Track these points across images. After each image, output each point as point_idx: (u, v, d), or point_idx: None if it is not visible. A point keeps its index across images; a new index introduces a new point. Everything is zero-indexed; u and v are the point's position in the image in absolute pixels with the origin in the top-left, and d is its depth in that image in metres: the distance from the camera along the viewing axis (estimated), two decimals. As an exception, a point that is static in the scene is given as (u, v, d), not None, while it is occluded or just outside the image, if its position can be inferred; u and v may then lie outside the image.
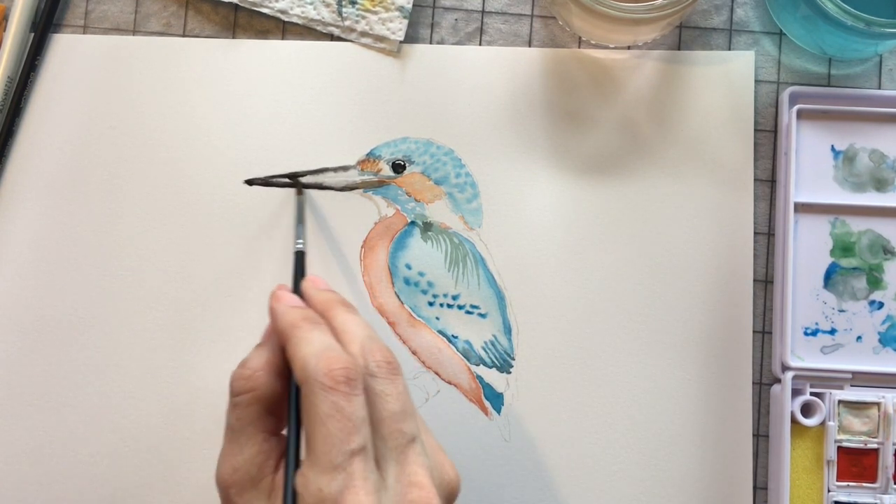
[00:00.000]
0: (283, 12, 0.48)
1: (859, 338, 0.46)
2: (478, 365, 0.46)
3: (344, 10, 0.48)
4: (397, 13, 0.48)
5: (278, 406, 0.35)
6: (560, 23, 0.48)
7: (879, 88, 0.48)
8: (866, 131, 0.47)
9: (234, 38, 0.49)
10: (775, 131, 0.48)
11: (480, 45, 0.49)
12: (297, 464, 0.33)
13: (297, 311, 0.36)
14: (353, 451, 0.30)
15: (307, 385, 0.32)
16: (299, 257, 0.41)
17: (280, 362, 0.35)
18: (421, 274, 0.47)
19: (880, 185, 0.47)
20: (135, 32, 0.49)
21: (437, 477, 0.33)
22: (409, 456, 0.32)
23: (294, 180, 0.47)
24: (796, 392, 0.45)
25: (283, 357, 0.35)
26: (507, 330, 0.47)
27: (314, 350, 0.32)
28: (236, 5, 0.48)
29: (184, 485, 0.46)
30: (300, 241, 0.42)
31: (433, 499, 0.31)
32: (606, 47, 0.48)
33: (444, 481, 0.34)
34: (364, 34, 0.48)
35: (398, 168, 0.48)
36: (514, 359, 0.46)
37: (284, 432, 0.35)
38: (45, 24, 0.48)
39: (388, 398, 0.33)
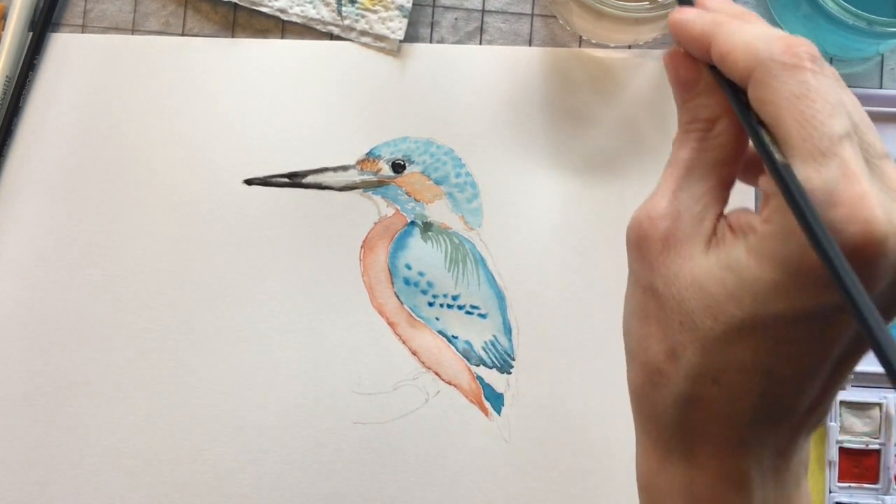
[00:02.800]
0: (282, 11, 0.48)
1: (861, 338, 0.46)
2: (478, 365, 0.46)
3: (343, 9, 0.48)
4: (397, 12, 0.48)
5: (737, 156, 0.29)
6: (560, 22, 0.48)
7: (881, 88, 0.48)
8: (868, 131, 0.47)
9: (233, 37, 0.49)
10: (776, 131, 0.48)
11: (480, 44, 0.48)
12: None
13: (711, 14, 0.28)
14: (840, 135, 0.24)
15: (762, 69, 0.25)
16: None
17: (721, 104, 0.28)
18: (421, 274, 0.47)
19: (882, 184, 0.46)
20: (133, 31, 0.49)
21: (883, 187, 0.25)
22: (840, 152, 0.24)
23: (293, 180, 0.47)
24: (797, 392, 0.44)
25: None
26: (507, 330, 0.46)
27: (757, 33, 0.26)
28: (235, 4, 0.48)
29: (184, 484, 0.46)
30: None
31: None
32: (607, 46, 0.48)
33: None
34: (364, 33, 0.48)
35: (398, 168, 0.47)
36: (514, 359, 0.46)
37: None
38: (43, 23, 0.48)
39: (811, 94, 0.25)
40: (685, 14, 0.28)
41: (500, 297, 0.47)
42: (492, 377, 0.46)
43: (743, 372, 0.25)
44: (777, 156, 0.25)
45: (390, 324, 0.47)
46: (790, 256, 0.24)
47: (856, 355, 0.26)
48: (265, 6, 0.48)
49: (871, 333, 0.22)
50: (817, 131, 0.24)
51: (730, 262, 0.25)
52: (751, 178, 0.30)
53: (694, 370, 0.26)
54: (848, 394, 0.44)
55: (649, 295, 0.27)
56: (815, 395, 0.26)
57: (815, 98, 0.24)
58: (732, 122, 0.27)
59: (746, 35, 0.26)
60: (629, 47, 0.48)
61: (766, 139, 0.25)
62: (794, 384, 0.26)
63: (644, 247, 0.27)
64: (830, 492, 0.44)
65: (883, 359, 0.22)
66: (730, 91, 0.27)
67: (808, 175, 0.24)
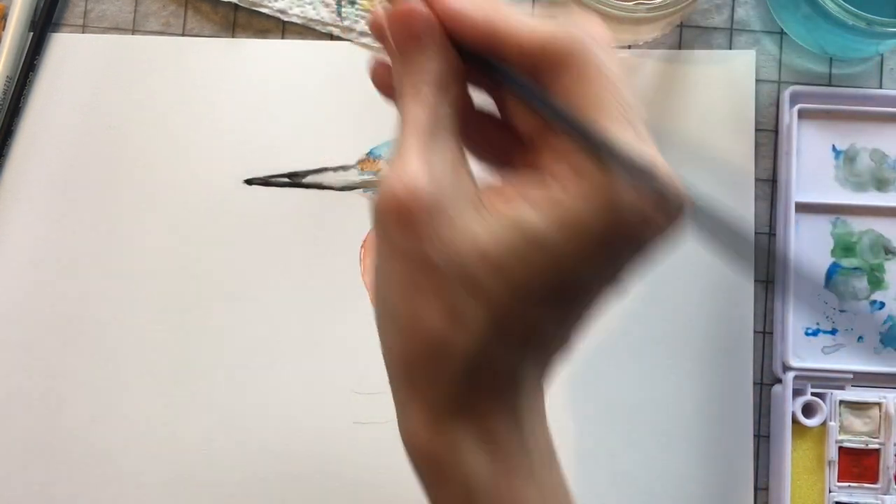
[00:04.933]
0: (282, 12, 0.48)
1: (860, 338, 0.46)
2: (478, 365, 0.46)
3: (343, 10, 0.48)
4: (397, 13, 0.48)
5: (467, 110, 0.28)
6: (560, 22, 0.48)
7: (881, 88, 0.48)
8: (867, 131, 0.47)
9: (233, 37, 0.49)
10: (776, 131, 0.48)
11: (480, 44, 0.48)
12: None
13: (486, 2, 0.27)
14: (636, 106, 0.26)
15: (561, 51, 0.25)
16: None
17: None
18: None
19: (881, 184, 0.47)
20: (134, 32, 0.49)
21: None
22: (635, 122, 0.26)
23: (293, 180, 0.47)
24: (797, 392, 0.44)
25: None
26: (508, 330, 0.46)
27: (535, 21, 0.26)
28: (236, 5, 0.48)
29: (184, 483, 0.46)
30: None
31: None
32: (607, 47, 0.48)
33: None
34: (363, 34, 0.48)
35: (398, 168, 0.47)
36: (514, 359, 0.46)
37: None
38: (44, 24, 0.48)
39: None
40: (459, 4, 0.26)
41: (500, 297, 0.47)
42: (492, 377, 0.46)
43: (531, 326, 0.26)
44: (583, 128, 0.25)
45: (390, 324, 0.47)
46: (593, 223, 0.24)
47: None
48: (265, 7, 0.48)
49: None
50: (628, 105, 0.25)
51: (518, 225, 0.24)
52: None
53: (486, 333, 0.25)
54: (847, 393, 0.44)
55: (418, 265, 0.25)
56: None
57: (618, 74, 0.25)
58: (459, 79, 0.27)
59: (530, 22, 0.26)
60: (629, 48, 0.48)
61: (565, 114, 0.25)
62: (573, 325, 0.27)
63: (407, 217, 0.25)
64: (830, 491, 0.44)
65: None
66: (510, 77, 0.26)
67: (636, 149, 0.24)
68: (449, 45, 0.26)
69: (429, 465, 0.27)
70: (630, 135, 0.25)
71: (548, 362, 0.28)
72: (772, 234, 0.47)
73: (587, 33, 0.26)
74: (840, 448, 0.44)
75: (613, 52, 0.26)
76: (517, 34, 0.26)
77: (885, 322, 0.46)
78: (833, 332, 0.46)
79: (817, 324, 0.46)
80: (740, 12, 0.48)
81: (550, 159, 0.26)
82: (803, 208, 0.46)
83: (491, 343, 0.25)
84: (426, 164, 0.25)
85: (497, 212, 0.25)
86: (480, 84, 0.29)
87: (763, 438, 0.46)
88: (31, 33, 0.48)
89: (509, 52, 0.26)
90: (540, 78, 0.26)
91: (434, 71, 0.26)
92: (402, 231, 0.25)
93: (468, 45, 0.26)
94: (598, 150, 0.24)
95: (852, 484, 0.44)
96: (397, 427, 0.27)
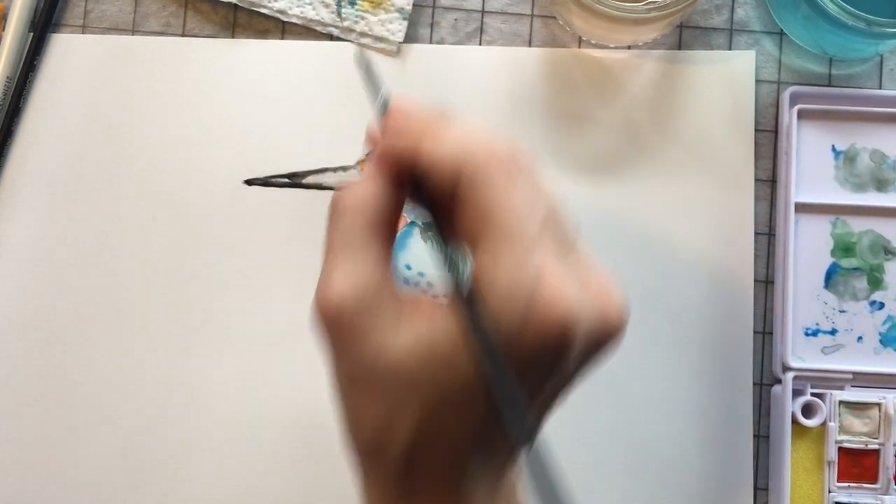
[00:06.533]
0: (282, 12, 0.48)
1: (860, 338, 0.46)
2: (478, 365, 0.46)
3: (343, 10, 0.48)
4: (397, 14, 0.48)
5: (395, 214, 0.30)
6: (560, 22, 0.48)
7: (880, 88, 0.48)
8: (867, 131, 0.47)
9: (233, 37, 0.49)
10: (776, 131, 0.48)
11: (480, 44, 0.48)
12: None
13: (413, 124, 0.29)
14: (535, 236, 0.26)
15: (464, 176, 0.26)
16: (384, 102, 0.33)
17: (394, 172, 0.29)
18: (421, 274, 0.47)
19: (881, 185, 0.47)
20: (134, 32, 0.49)
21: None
22: (578, 256, 0.27)
23: (293, 180, 0.47)
24: (797, 392, 0.44)
25: (398, 169, 0.29)
26: (507, 330, 0.46)
27: (458, 138, 0.27)
28: (235, 5, 0.48)
29: (184, 484, 0.46)
30: (379, 98, 0.34)
31: (615, 284, 0.27)
32: (607, 47, 0.48)
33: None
34: (363, 34, 0.48)
35: (398, 168, 0.47)
36: (514, 359, 0.46)
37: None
38: (44, 24, 0.48)
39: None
40: (386, 139, 0.29)
41: (500, 298, 0.47)
42: (492, 377, 0.46)
43: (452, 432, 0.27)
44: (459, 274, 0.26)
45: (390, 324, 0.47)
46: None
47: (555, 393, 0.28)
48: (265, 7, 0.48)
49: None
50: (517, 233, 0.25)
51: (427, 341, 0.26)
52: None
53: (410, 438, 0.27)
54: (847, 394, 0.44)
55: (356, 370, 0.27)
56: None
57: (514, 201, 0.26)
58: (383, 183, 0.29)
59: (446, 145, 0.27)
60: (629, 48, 0.48)
61: (460, 269, 0.27)
62: (504, 429, 0.27)
63: (336, 330, 0.27)
64: (830, 492, 0.44)
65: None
66: (429, 212, 0.29)
67: (510, 276, 0.25)
68: (379, 175, 0.29)
69: None
70: (517, 251, 0.25)
71: (498, 462, 0.28)
72: (772, 234, 0.47)
73: (485, 152, 0.27)
74: (840, 448, 0.44)
75: (515, 167, 0.27)
76: (430, 160, 0.27)
77: (884, 322, 0.46)
78: (833, 332, 0.46)
79: (817, 324, 0.46)
80: (740, 12, 0.48)
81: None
82: (803, 208, 0.46)
83: (417, 447, 0.27)
84: (350, 277, 0.27)
85: (412, 326, 0.27)
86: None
87: (763, 438, 0.46)
88: (31, 33, 0.48)
89: (429, 178, 0.28)
90: (452, 199, 0.27)
91: (360, 195, 0.29)
92: (330, 342, 0.27)
93: (397, 173, 0.29)
94: (462, 312, 0.26)
95: (852, 484, 0.44)
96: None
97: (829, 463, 0.44)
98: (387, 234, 0.29)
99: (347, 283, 0.27)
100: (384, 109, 0.31)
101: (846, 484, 0.44)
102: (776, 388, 0.45)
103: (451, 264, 0.27)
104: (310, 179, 0.47)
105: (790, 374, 0.44)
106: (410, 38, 0.48)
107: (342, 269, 0.27)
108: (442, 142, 0.27)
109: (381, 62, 0.48)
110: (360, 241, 0.28)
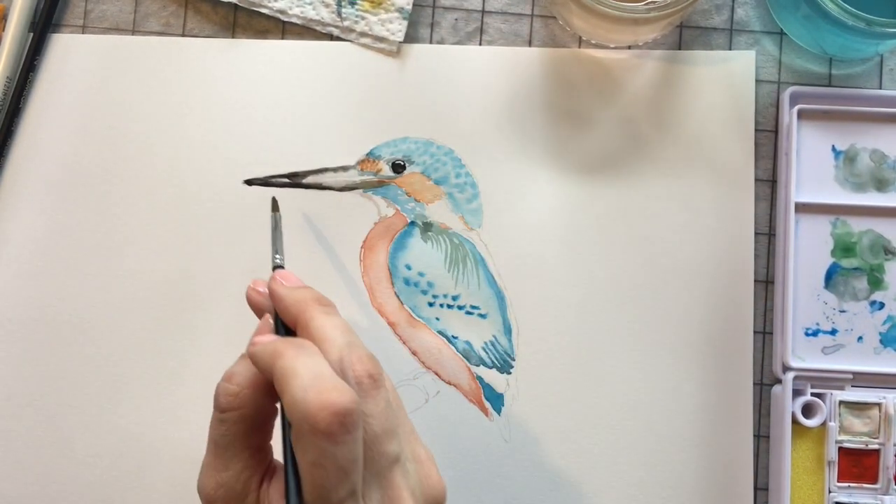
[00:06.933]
0: (282, 12, 0.48)
1: (860, 338, 0.46)
2: (478, 365, 0.46)
3: (343, 10, 0.48)
4: (397, 14, 0.48)
5: (267, 421, 0.34)
6: (560, 22, 0.48)
7: (880, 88, 0.48)
8: (867, 131, 0.47)
9: (233, 37, 0.49)
10: (776, 131, 0.48)
11: (480, 44, 0.48)
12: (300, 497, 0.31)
13: (275, 339, 0.34)
14: (342, 498, 0.29)
15: (294, 428, 0.30)
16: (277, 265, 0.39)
17: (267, 380, 0.33)
18: (421, 274, 0.47)
19: (881, 185, 0.47)
20: (134, 32, 0.49)
21: (420, 493, 0.32)
22: (392, 479, 0.31)
23: (293, 180, 0.47)
24: (797, 392, 0.44)
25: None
26: (507, 330, 0.46)
27: (304, 380, 0.30)
28: (235, 5, 0.48)
29: (184, 485, 0.46)
30: (278, 255, 0.40)
31: None
32: (607, 47, 0.48)
33: (430, 496, 0.33)
34: (363, 34, 0.48)
35: (398, 168, 0.47)
36: (514, 359, 0.46)
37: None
38: (44, 24, 0.48)
39: (370, 420, 0.31)
40: (253, 347, 0.34)
41: (500, 298, 0.47)
42: (492, 377, 0.46)
43: None
44: None
45: (390, 324, 0.47)
46: None
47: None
48: (265, 7, 0.48)
49: None
50: (323, 498, 0.29)
51: None
52: None
53: None
54: (847, 394, 0.44)
55: None
56: None
57: (329, 466, 0.29)
58: (253, 393, 0.33)
59: (295, 384, 0.30)
60: (629, 48, 0.48)
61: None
62: None
63: None
64: (830, 492, 0.44)
65: None
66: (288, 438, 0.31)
67: None
68: (258, 389, 0.33)
69: None
70: (318, 480, 0.29)
71: None
72: (772, 234, 0.47)
73: (307, 412, 0.29)
74: (840, 448, 0.44)
75: (331, 439, 0.29)
76: (286, 395, 0.30)
77: (884, 322, 0.46)
78: (833, 332, 0.46)
79: (817, 324, 0.46)
80: (740, 12, 0.48)
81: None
82: (803, 208, 0.46)
83: None
84: (217, 483, 0.33)
85: None
86: None
87: (763, 438, 0.46)
88: (31, 33, 0.48)
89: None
90: None
91: (223, 397, 0.33)
92: None
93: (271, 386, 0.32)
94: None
95: (852, 484, 0.44)
96: None
97: (829, 463, 0.44)
98: (260, 439, 0.34)
99: (215, 483, 0.33)
100: (275, 268, 0.37)
101: (846, 484, 0.44)
102: (776, 388, 0.45)
103: None
104: (310, 179, 0.47)
105: (790, 374, 0.44)
106: (410, 37, 0.48)
107: (217, 468, 0.33)
108: (288, 376, 0.31)
109: (381, 63, 0.48)
110: (235, 449, 0.33)
